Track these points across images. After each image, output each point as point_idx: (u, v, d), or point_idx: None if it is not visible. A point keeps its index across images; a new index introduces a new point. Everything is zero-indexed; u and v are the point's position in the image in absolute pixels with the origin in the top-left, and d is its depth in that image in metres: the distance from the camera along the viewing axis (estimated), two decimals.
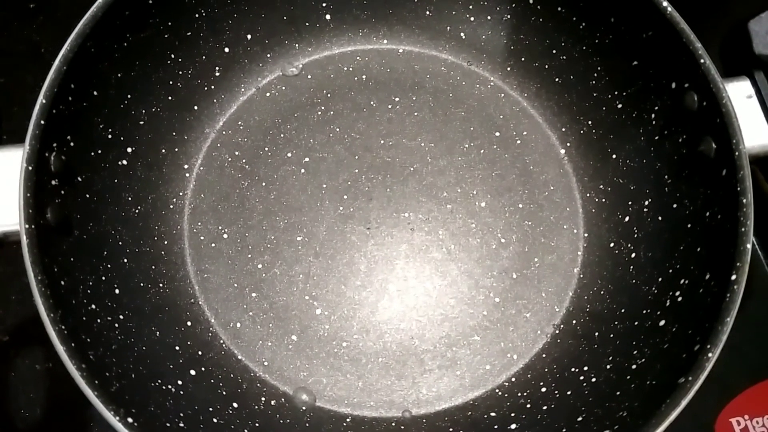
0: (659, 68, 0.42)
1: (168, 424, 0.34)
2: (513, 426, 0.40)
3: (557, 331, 0.43)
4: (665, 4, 0.40)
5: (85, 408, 0.44)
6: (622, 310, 0.42)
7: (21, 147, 0.35)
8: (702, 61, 0.38)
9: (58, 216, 0.36)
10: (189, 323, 0.42)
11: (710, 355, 0.33)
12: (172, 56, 0.45)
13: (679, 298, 0.38)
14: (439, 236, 0.45)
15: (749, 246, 0.35)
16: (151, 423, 0.33)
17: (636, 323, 0.40)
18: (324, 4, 0.49)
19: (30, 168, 0.34)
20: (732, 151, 0.36)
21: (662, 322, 0.38)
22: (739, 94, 0.40)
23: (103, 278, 0.39)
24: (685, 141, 0.41)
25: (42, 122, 0.35)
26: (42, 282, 0.33)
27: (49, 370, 0.45)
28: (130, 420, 0.31)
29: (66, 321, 0.33)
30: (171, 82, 0.46)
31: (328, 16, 0.50)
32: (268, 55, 0.49)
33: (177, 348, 0.41)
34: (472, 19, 0.49)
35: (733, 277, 0.34)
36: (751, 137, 0.39)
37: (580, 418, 0.37)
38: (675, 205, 0.41)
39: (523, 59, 0.49)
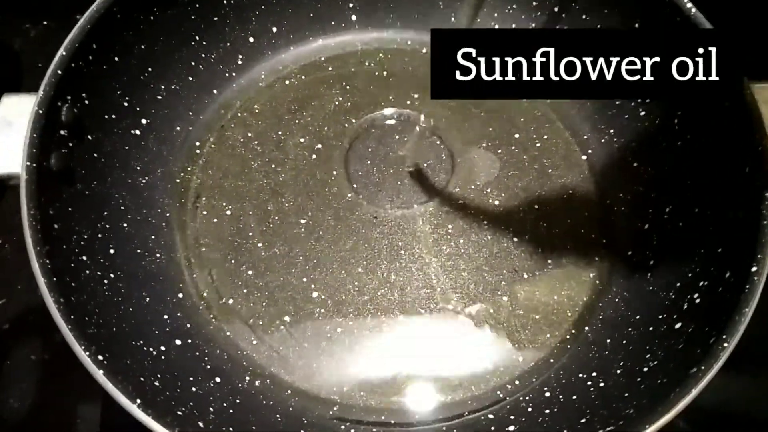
0: None
1: (141, 379, 0.32)
2: (511, 428, 0.37)
3: (567, 336, 0.40)
4: (689, 5, 0.40)
5: (74, 404, 0.43)
6: (637, 317, 0.39)
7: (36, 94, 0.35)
8: None
9: (62, 165, 0.36)
10: (181, 295, 0.41)
11: (726, 345, 0.31)
12: (197, 38, 0.46)
13: (697, 300, 0.36)
14: (449, 230, 0.43)
15: None
16: (123, 371, 0.31)
17: (651, 328, 0.38)
18: (351, 5, 0.50)
19: (40, 111, 0.35)
20: (756, 146, 0.35)
21: (678, 325, 0.36)
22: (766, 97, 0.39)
23: (100, 236, 0.38)
24: (708, 144, 0.39)
25: (59, 72, 0.36)
26: (34, 217, 0.33)
27: (45, 361, 0.44)
28: (99, 358, 0.30)
29: (52, 258, 0.32)
30: (193, 64, 0.47)
31: (354, 17, 0.51)
32: (292, 48, 0.50)
33: (165, 317, 0.39)
34: (497, 26, 0.49)
35: (754, 268, 0.32)
36: None
37: (583, 420, 0.34)
38: (696, 209, 0.39)
39: None
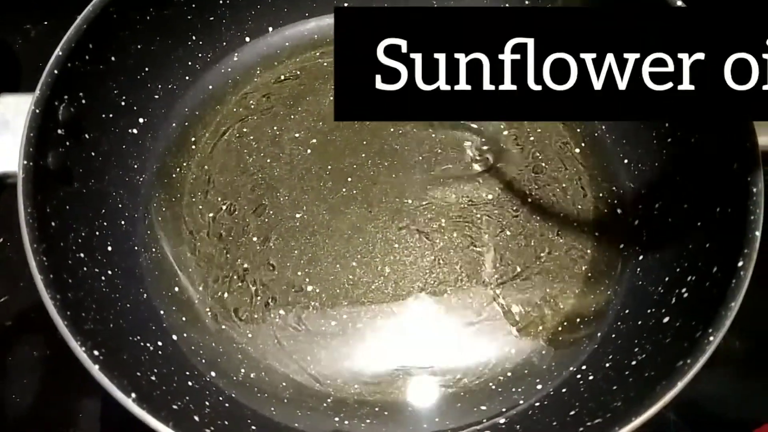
0: None
1: (138, 373, 0.33)
2: (501, 420, 0.38)
3: (559, 329, 0.41)
4: (679, 3, 0.40)
5: (75, 399, 0.44)
6: (626, 311, 0.40)
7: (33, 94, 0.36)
8: None
9: (59, 163, 0.37)
10: (177, 289, 0.42)
11: (711, 338, 0.31)
12: (193, 38, 0.47)
13: (685, 295, 0.36)
14: (441, 224, 0.44)
15: (758, 234, 0.33)
16: (119, 366, 0.32)
17: (639, 322, 0.38)
18: (346, 4, 0.50)
19: (37, 111, 0.35)
20: (743, 142, 0.35)
21: (666, 319, 0.36)
22: None
23: (97, 233, 0.39)
24: (696, 141, 0.40)
25: (55, 72, 0.37)
26: (31, 215, 0.33)
27: (47, 357, 0.45)
28: (95, 353, 0.30)
29: (48, 256, 0.33)
30: (190, 63, 0.47)
31: None
32: (287, 44, 0.50)
33: (162, 312, 0.40)
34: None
35: (740, 263, 0.33)
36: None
37: (572, 412, 0.35)
38: (685, 205, 0.39)
39: None
